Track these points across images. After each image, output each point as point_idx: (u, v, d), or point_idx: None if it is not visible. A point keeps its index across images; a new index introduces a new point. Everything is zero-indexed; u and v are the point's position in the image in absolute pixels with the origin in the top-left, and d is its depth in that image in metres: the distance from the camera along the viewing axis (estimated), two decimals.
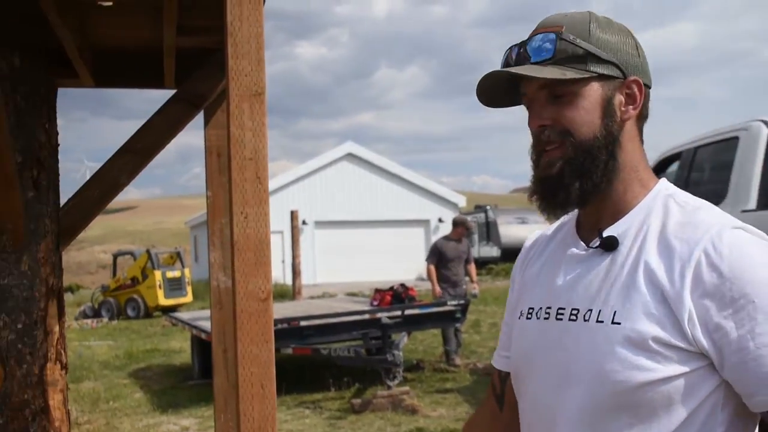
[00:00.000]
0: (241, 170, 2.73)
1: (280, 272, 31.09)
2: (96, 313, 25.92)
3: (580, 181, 1.51)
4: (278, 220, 27.84)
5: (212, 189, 4.61)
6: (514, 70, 1.50)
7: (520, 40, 1.56)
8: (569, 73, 1.48)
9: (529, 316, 1.62)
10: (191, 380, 12.51)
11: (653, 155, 9.79)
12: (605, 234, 1.52)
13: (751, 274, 1.34)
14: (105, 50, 4.52)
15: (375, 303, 12.85)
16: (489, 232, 36.77)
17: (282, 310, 13.13)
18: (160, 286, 25.56)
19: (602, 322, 1.44)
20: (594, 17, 1.54)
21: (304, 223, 33.18)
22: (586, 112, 1.50)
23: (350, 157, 35.97)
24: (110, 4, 3.86)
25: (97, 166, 3.92)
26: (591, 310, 1.47)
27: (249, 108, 2.75)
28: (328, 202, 35.32)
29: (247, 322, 2.69)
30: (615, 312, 1.43)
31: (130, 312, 25.70)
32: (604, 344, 1.43)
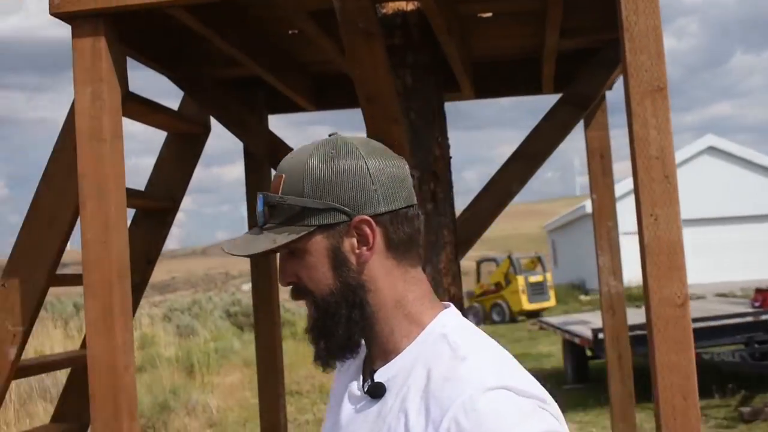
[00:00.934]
0: (647, 170, 2.61)
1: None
2: None
3: (324, 341, 1.40)
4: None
5: (597, 191, 4.52)
6: (226, 249, 1.43)
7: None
8: (280, 238, 1.36)
9: None
10: (565, 385, 12.46)
11: None
12: (376, 378, 1.39)
13: None
14: (482, 61, 4.61)
15: (756, 304, 11.97)
16: None
17: None
18: (523, 291, 25.86)
19: None
20: (315, 154, 1.38)
21: None
22: (315, 268, 1.37)
23: (712, 150, 34.02)
24: (490, 15, 3.92)
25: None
26: None
27: (651, 104, 2.63)
28: (690, 199, 33.65)
29: (664, 330, 2.55)
30: None
31: (495, 317, 26.25)
32: None
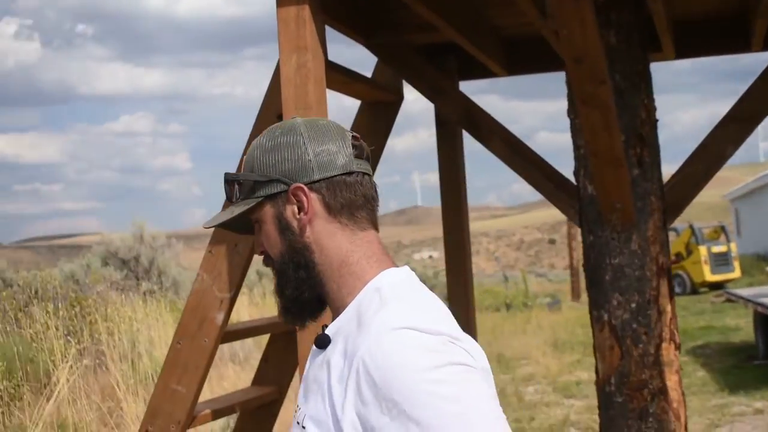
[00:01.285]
0: None
1: None
2: None
3: (282, 300, 1.58)
4: None
5: None
6: (204, 224, 1.67)
7: None
8: (237, 209, 1.58)
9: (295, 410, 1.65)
10: (756, 360, 11.90)
11: None
12: (326, 331, 1.54)
13: (400, 381, 1.33)
14: (685, 19, 4.38)
15: None
16: None
17: None
18: (705, 262, 24.85)
19: (305, 428, 1.48)
20: (264, 135, 1.59)
21: None
22: (269, 234, 1.57)
23: None
24: None
25: None
26: (302, 411, 1.52)
27: None
28: None
29: None
30: (305, 415, 1.49)
31: (676, 288, 25.28)
32: None
